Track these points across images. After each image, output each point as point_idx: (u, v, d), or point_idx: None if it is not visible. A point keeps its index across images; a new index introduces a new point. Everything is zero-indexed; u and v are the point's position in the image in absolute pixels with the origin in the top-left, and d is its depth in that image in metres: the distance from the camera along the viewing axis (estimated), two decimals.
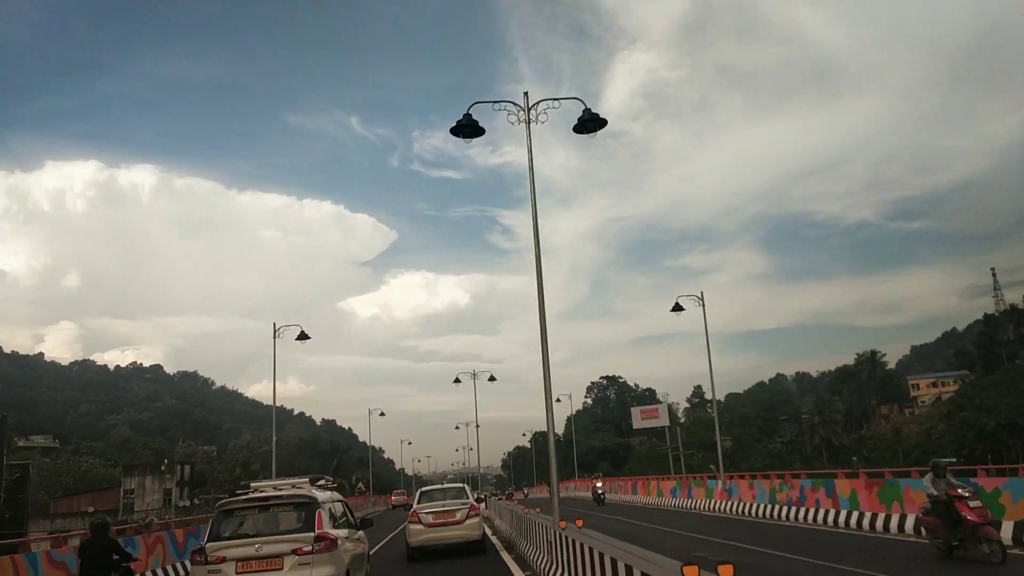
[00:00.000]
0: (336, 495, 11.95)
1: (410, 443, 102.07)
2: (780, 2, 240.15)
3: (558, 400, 70.99)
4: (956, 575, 11.58)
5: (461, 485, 22.19)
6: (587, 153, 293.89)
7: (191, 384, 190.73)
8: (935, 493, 12.64)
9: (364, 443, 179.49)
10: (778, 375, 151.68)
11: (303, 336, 30.17)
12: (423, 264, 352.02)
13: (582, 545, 8.41)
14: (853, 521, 19.26)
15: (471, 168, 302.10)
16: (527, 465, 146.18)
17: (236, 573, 9.38)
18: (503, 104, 14.10)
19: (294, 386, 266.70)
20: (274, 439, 31.30)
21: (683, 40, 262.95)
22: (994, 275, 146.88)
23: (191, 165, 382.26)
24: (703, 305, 30.51)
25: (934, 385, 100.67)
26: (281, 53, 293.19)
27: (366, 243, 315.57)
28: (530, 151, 14.40)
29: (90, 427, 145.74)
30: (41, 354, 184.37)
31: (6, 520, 47.04)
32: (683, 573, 4.69)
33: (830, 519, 20.44)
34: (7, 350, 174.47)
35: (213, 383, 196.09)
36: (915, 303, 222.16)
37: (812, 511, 21.59)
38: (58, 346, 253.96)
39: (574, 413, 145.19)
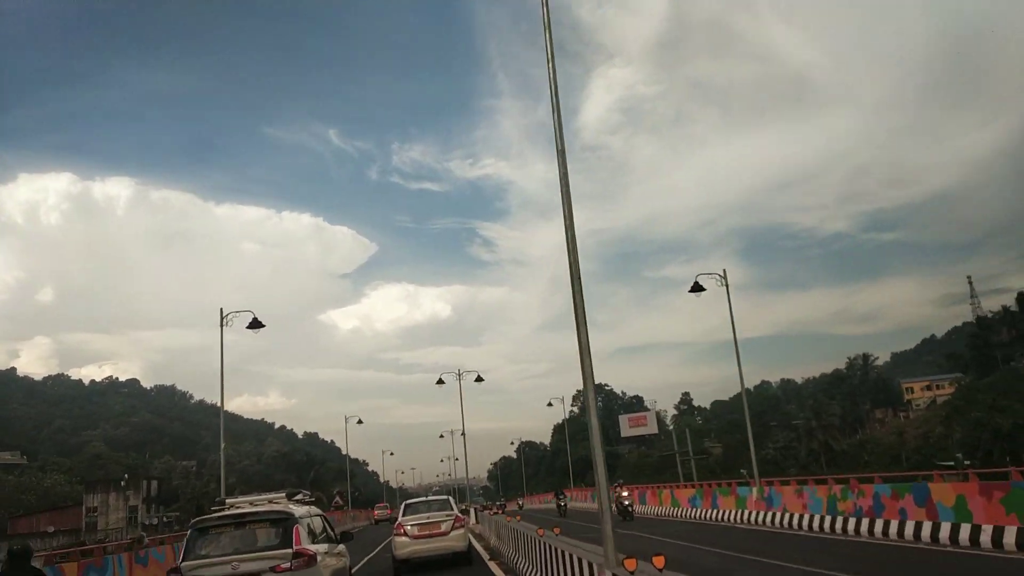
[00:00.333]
0: (314, 509, 11.43)
1: (392, 454, 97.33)
2: (754, 20, 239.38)
3: (550, 404, 66.18)
4: None
5: (446, 497, 21.62)
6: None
7: (168, 398, 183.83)
8: None
9: (347, 455, 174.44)
10: (763, 382, 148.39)
11: (256, 324, 25.22)
12: (403, 276, 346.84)
13: None
14: (963, 537, 14.62)
15: (451, 180, 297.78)
16: (513, 475, 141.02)
17: None
18: None
19: (275, 399, 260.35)
20: (222, 447, 26.28)
21: (660, 56, 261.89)
22: (971, 283, 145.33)
23: (168, 177, 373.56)
24: (726, 284, 26.02)
25: (928, 388, 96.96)
26: (260, 65, 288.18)
27: (346, 256, 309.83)
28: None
29: (64, 443, 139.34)
30: (13, 369, 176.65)
31: None
32: None
33: (925, 534, 15.78)
34: None
35: (191, 397, 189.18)
36: (891, 312, 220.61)
37: (895, 524, 16.92)
38: (33, 361, 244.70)
39: (562, 421, 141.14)
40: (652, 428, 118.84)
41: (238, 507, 10.25)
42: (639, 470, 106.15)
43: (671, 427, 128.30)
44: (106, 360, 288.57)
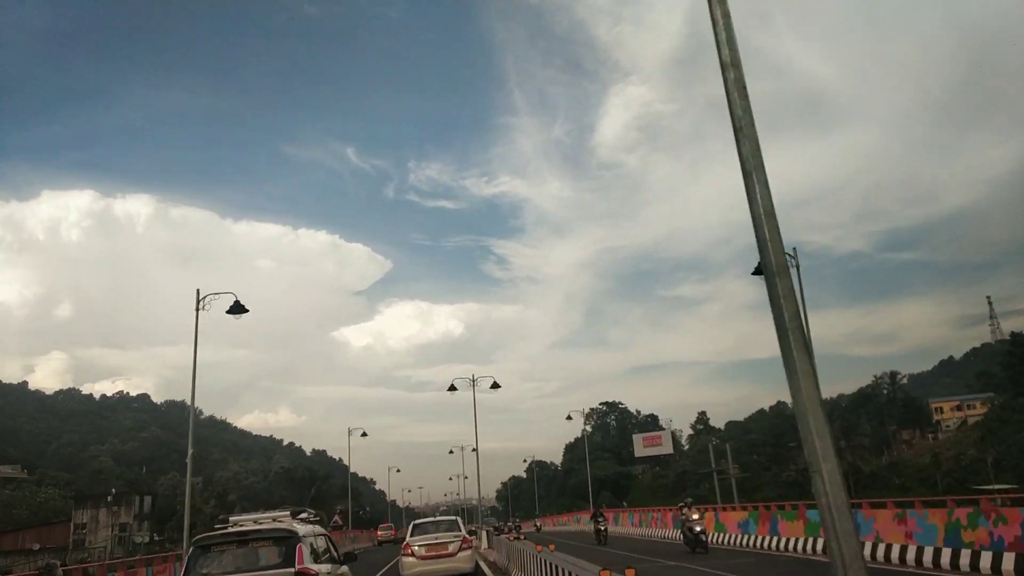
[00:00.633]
0: (318, 528, 10.98)
1: (399, 471, 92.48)
2: (771, 36, 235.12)
3: (568, 418, 61.27)
4: None
5: (454, 518, 20.69)
6: (581, 184, 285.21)
7: (179, 413, 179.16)
8: None
9: (354, 474, 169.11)
10: (779, 402, 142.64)
11: (238, 308, 20.73)
12: (417, 294, 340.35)
13: None
14: None
15: (466, 198, 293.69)
16: (523, 495, 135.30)
17: None
18: None
19: (285, 416, 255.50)
20: (191, 450, 21.73)
21: (676, 73, 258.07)
22: (990, 304, 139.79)
23: (187, 195, 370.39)
24: (797, 265, 21.34)
25: (959, 408, 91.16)
26: (277, 84, 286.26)
27: (360, 273, 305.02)
28: None
29: (72, 458, 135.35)
30: (25, 383, 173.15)
31: None
32: None
33: None
34: None
35: (201, 412, 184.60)
36: (908, 333, 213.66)
37: None
38: (49, 376, 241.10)
39: (574, 440, 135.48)
40: (667, 448, 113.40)
41: (241, 525, 10.02)
42: (654, 492, 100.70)
43: (686, 447, 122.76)
44: (120, 376, 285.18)
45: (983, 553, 14.05)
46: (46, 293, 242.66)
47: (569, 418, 62.05)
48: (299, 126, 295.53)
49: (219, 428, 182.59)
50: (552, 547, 12.09)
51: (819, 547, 19.94)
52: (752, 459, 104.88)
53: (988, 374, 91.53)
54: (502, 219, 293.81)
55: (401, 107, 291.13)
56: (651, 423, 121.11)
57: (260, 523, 10.01)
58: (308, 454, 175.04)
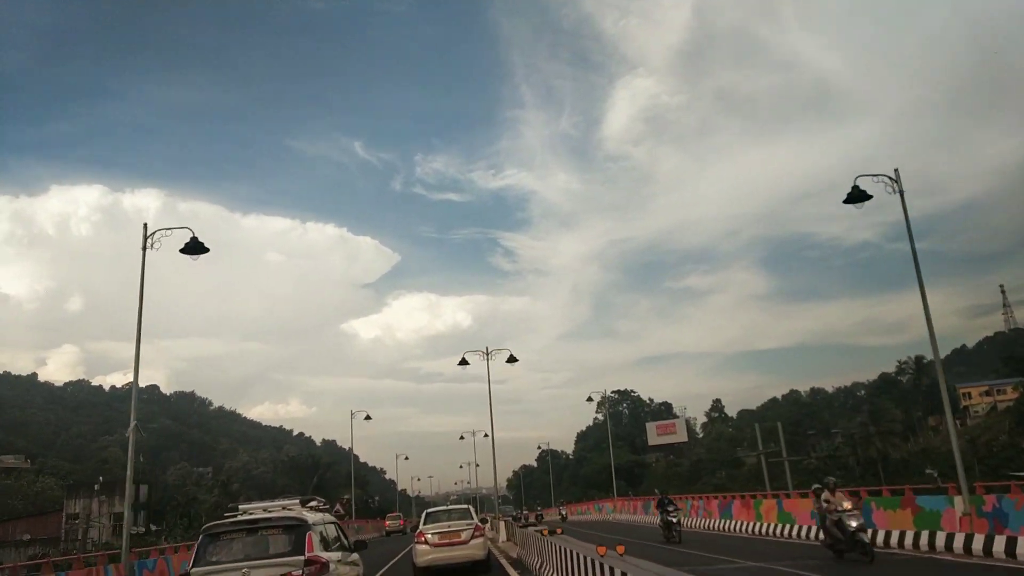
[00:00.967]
0: (328, 517, 10.77)
1: (407, 458, 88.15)
2: (778, 28, 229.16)
3: (589, 399, 56.75)
4: None
5: (466, 507, 19.91)
6: (589, 177, 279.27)
7: (188, 404, 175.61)
8: None
9: (364, 464, 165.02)
10: (792, 391, 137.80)
11: (195, 247, 16.16)
12: (425, 286, 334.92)
13: None
14: None
15: (473, 191, 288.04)
16: (535, 484, 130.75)
17: None
18: None
19: (296, 408, 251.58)
20: (133, 421, 17.28)
21: (683, 66, 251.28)
22: (1003, 293, 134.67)
23: (195, 189, 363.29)
24: (900, 190, 16.60)
25: (988, 393, 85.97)
26: (284, 79, 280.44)
27: (369, 265, 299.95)
28: None
29: (82, 448, 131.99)
30: (35, 374, 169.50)
31: None
32: None
33: None
34: (0, 371, 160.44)
35: (211, 403, 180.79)
36: (918, 323, 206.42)
37: None
38: (60, 369, 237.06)
39: (586, 428, 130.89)
40: (682, 436, 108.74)
41: (251, 513, 9.70)
42: (667, 480, 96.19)
43: (700, 435, 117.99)
44: (130, 368, 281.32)
45: None
46: (57, 287, 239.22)
47: (590, 399, 57.61)
48: (306, 120, 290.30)
49: (229, 419, 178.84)
50: (621, 549, 8.44)
51: (942, 542, 15.19)
52: (770, 447, 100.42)
53: (1016, 359, 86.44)
54: (509, 212, 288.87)
55: (408, 101, 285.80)
56: (664, 411, 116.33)
57: (270, 511, 9.73)
58: (318, 444, 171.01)
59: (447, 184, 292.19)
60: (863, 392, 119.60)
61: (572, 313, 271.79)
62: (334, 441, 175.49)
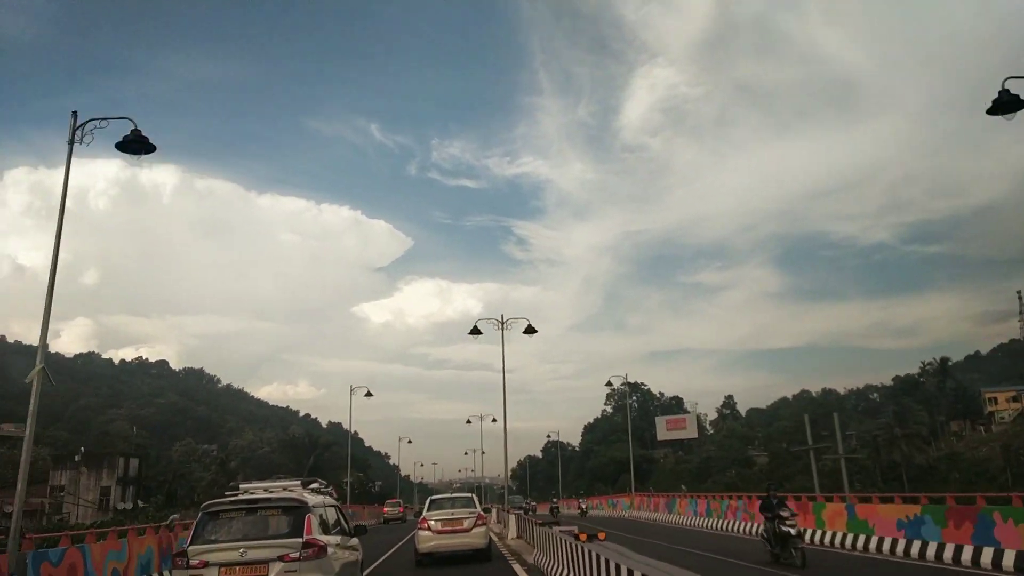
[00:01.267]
0: (329, 499, 10.42)
1: (410, 441, 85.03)
2: (800, 21, 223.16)
3: (608, 384, 52.83)
4: None
5: (470, 495, 19.56)
6: (604, 167, 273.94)
7: (196, 381, 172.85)
8: None
9: (369, 448, 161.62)
10: (803, 391, 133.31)
11: (138, 143, 12.17)
12: (437, 272, 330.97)
13: None
14: None
15: (488, 178, 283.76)
16: (539, 475, 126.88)
17: None
18: None
19: (304, 389, 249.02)
20: (37, 371, 13.19)
21: (704, 57, 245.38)
22: (1020, 299, 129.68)
23: (212, 166, 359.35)
24: None
25: (1015, 399, 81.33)
26: (303, 58, 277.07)
27: (382, 249, 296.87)
28: None
29: (90, 421, 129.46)
30: (45, 345, 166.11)
31: None
32: None
33: None
34: (10, 340, 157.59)
35: (219, 381, 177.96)
36: (931, 327, 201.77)
37: None
38: (73, 341, 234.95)
39: (593, 420, 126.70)
40: (692, 432, 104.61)
41: (251, 493, 9.37)
42: (676, 477, 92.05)
43: (710, 431, 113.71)
44: (143, 343, 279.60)
45: None
46: (73, 260, 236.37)
47: (608, 384, 53.45)
48: (324, 100, 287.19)
49: (236, 397, 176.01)
50: None
51: None
52: (781, 447, 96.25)
53: None
54: (523, 200, 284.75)
55: (425, 85, 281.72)
56: (675, 406, 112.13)
57: (271, 492, 9.42)
58: (324, 426, 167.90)
59: (462, 170, 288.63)
60: (876, 395, 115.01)
61: (583, 304, 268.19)
62: (340, 424, 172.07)
